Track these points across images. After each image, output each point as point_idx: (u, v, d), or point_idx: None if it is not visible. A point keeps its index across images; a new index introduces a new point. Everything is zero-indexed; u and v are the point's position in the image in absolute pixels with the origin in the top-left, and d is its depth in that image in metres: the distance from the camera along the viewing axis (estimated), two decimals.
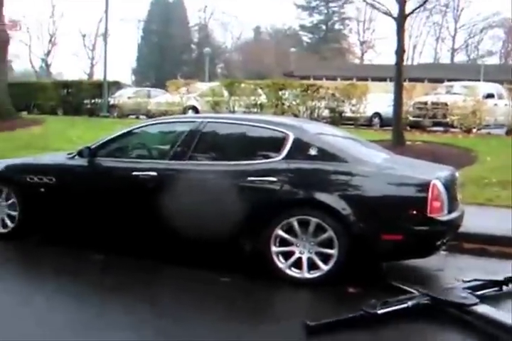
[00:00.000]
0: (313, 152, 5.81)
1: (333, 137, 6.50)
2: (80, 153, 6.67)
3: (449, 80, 26.71)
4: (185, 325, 4.57)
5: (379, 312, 4.50)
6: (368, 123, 21.45)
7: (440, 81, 29.51)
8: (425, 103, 19.75)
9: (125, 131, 6.80)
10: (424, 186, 5.48)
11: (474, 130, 18.39)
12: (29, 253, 6.70)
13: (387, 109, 18.11)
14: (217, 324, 4.61)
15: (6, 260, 6.54)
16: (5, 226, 7.02)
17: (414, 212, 5.42)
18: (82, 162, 6.66)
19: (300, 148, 5.86)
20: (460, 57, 67.53)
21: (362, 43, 70.83)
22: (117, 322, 4.63)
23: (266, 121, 6.42)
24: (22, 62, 67.10)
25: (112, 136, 6.78)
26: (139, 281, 5.65)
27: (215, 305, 5.06)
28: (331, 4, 72.99)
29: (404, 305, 4.63)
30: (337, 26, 74.59)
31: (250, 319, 4.83)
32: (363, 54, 71.29)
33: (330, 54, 67.10)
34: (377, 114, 21.86)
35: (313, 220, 5.53)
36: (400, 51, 13.92)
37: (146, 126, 7.02)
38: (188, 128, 6.39)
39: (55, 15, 67.00)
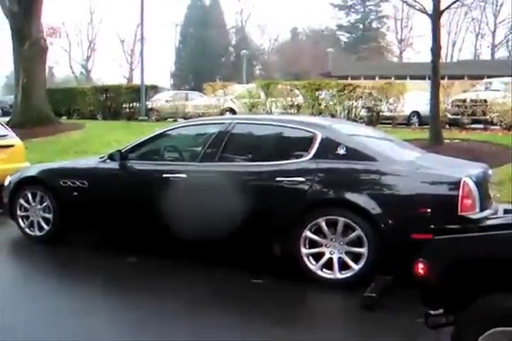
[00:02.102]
0: (342, 151, 5.77)
1: (364, 136, 6.45)
2: (111, 157, 6.76)
3: (489, 77, 26.20)
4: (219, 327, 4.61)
5: None
6: (406, 122, 21.18)
7: (480, 78, 28.97)
8: (464, 100, 19.41)
9: (155, 134, 6.87)
10: (455, 184, 5.40)
11: None
12: (66, 256, 6.78)
13: (425, 108, 17.83)
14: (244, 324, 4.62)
15: (44, 263, 6.66)
16: (41, 229, 7.14)
17: (445, 211, 5.34)
18: (113, 165, 6.73)
19: (328, 148, 5.83)
20: (501, 53, 66.42)
21: (400, 41, 70.15)
22: (154, 319, 4.69)
23: (294, 121, 6.40)
24: (62, 68, 68.20)
25: (142, 140, 6.85)
26: (174, 282, 5.69)
27: (245, 305, 5.08)
28: (367, 3, 72.48)
29: None
30: (374, 25, 74.04)
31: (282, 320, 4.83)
32: (401, 52, 70.60)
33: (368, 53, 66.66)
34: (415, 113, 21.58)
35: (342, 220, 5.49)
36: (436, 48, 13.74)
37: (176, 128, 7.08)
38: (217, 130, 6.42)
39: (94, 21, 68.06)
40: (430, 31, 13.70)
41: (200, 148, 6.51)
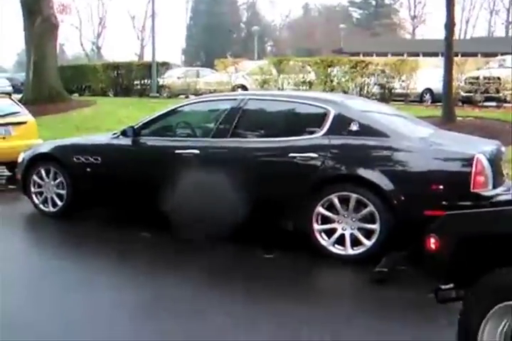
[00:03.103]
0: (354, 127, 5.76)
1: (377, 113, 6.43)
2: (124, 133, 6.77)
3: (503, 54, 25.95)
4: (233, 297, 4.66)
5: None
6: (419, 99, 21.08)
7: (494, 55, 28.64)
8: (477, 78, 19.25)
9: (167, 110, 6.88)
10: (468, 160, 5.39)
11: None
12: (80, 231, 6.82)
13: (438, 85, 17.71)
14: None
15: (59, 237, 6.75)
16: (55, 205, 7.19)
17: (458, 187, 5.33)
18: (126, 141, 6.75)
19: (341, 124, 5.83)
20: None
21: (413, 18, 69.42)
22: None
23: (307, 98, 6.39)
24: (73, 45, 67.96)
25: (155, 116, 6.86)
26: (187, 257, 5.77)
27: (254, 279, 5.15)
28: None
29: None
30: (387, 1, 73.24)
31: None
32: (414, 29, 69.92)
33: (380, 30, 66.08)
34: (428, 90, 21.44)
35: (354, 196, 5.50)
36: (450, 25, 13.61)
37: (189, 104, 7.10)
38: (229, 106, 6.41)
39: None
40: (444, 7, 13.56)
41: (212, 124, 6.52)
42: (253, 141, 6.25)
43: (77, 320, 4.25)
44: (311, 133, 5.94)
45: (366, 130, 5.75)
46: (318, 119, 5.91)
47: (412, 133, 6.00)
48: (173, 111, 6.87)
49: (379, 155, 5.68)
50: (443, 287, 3.13)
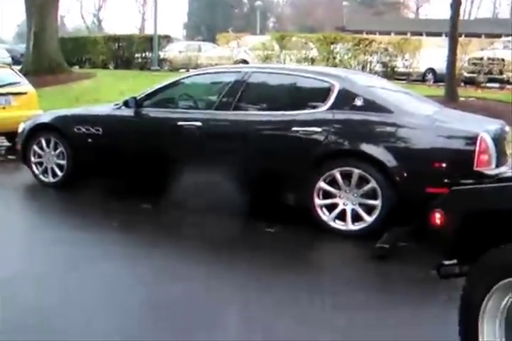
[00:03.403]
0: (359, 103, 5.72)
1: (382, 89, 6.38)
2: (126, 104, 6.71)
3: (507, 36, 25.78)
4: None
5: None
6: (422, 78, 21.01)
7: (498, 36, 28.50)
8: (481, 58, 19.17)
9: (171, 81, 6.82)
10: (473, 139, 5.36)
11: None
12: (80, 201, 6.80)
13: (441, 65, 17.62)
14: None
15: (59, 207, 6.74)
16: (55, 175, 7.16)
17: (461, 166, 5.31)
18: (128, 112, 6.70)
19: (346, 99, 5.78)
20: None
21: None
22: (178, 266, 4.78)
23: (311, 72, 6.34)
24: (74, 18, 67.36)
25: (158, 87, 6.80)
26: (188, 229, 5.74)
27: (255, 252, 5.15)
28: None
29: None
30: None
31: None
32: (418, 8, 69.33)
33: (384, 8, 65.46)
34: (430, 70, 21.36)
35: (356, 171, 5.47)
36: (456, 4, 13.51)
37: (192, 76, 7.04)
38: (233, 79, 6.35)
39: None
40: None
41: (215, 97, 6.47)
42: (256, 114, 6.21)
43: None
44: (315, 107, 5.89)
45: (370, 105, 5.71)
46: (323, 93, 5.87)
47: (417, 110, 5.96)
48: (177, 83, 6.81)
49: (382, 131, 5.65)
50: (446, 263, 3.12)
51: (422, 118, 5.73)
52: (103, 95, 15.45)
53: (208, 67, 9.14)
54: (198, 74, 7.11)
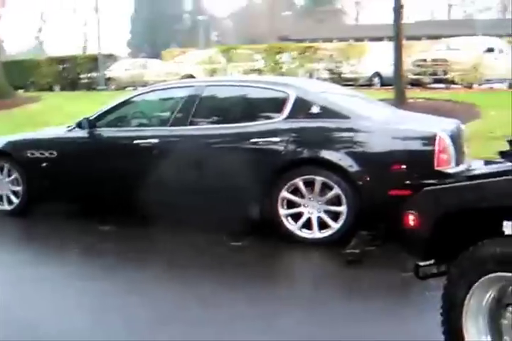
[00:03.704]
0: (315, 110, 5.72)
1: (336, 95, 6.41)
2: (80, 125, 6.59)
3: (447, 37, 26.33)
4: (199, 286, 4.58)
5: None
6: (368, 83, 21.25)
7: (437, 38, 29.10)
8: (424, 60, 19.49)
9: (123, 99, 6.73)
10: (431, 139, 5.39)
11: (475, 85, 18.19)
12: (38, 228, 6.65)
13: (386, 69, 17.89)
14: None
15: (17, 234, 6.61)
16: (10, 202, 6.96)
17: (421, 166, 5.35)
18: (82, 133, 6.58)
19: (302, 107, 5.78)
20: (456, 13, 66.54)
21: (356, 3, 69.76)
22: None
23: (266, 82, 6.33)
24: (14, 42, 66.42)
25: (110, 106, 6.70)
26: (151, 247, 5.69)
27: (222, 266, 5.11)
28: None
29: None
30: None
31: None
32: (357, 15, 70.36)
33: (324, 16, 66.16)
34: (376, 74, 21.64)
35: (319, 179, 5.46)
36: (398, 8, 13.72)
37: (143, 93, 6.94)
38: (187, 94, 6.30)
39: None
40: None
41: (170, 113, 6.39)
42: (213, 128, 6.16)
43: None
44: (272, 117, 5.87)
45: (327, 112, 5.72)
46: (279, 103, 5.85)
47: (372, 113, 5.99)
48: (129, 101, 6.71)
49: (340, 136, 5.66)
50: (421, 264, 3.11)
51: (379, 121, 5.76)
52: (52, 118, 15.18)
53: (158, 84, 9.02)
54: (149, 91, 7.00)
